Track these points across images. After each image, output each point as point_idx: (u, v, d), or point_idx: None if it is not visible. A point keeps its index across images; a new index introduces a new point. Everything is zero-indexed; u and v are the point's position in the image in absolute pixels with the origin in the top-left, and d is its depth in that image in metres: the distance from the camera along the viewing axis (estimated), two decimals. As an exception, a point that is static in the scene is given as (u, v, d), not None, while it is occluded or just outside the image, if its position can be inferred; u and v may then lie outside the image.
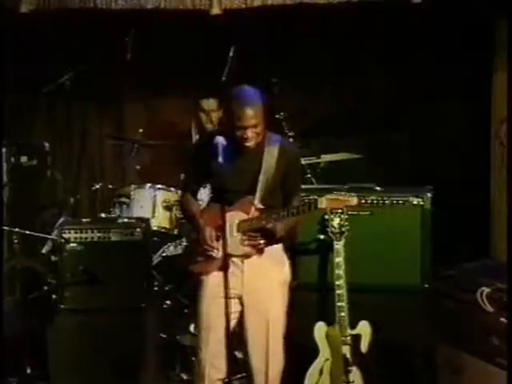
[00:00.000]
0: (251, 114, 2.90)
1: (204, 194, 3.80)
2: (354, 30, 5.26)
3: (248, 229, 3.10)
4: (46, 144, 5.22)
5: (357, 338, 3.49)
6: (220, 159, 2.93)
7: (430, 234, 3.95)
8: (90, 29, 5.45)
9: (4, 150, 4.80)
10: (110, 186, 5.08)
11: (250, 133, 2.91)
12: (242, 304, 3.16)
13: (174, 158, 5.15)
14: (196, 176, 3.33)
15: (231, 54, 4.84)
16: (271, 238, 3.11)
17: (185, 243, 4.54)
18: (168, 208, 4.63)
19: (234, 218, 3.12)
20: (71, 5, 4.90)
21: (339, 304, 3.39)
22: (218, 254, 3.09)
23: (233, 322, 3.07)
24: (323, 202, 3.05)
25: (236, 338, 3.30)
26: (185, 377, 4.05)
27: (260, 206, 3.07)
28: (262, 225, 3.07)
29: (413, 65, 5.30)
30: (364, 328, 3.51)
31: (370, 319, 3.56)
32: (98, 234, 4.14)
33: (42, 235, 4.74)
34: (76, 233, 4.09)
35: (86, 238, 4.10)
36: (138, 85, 5.73)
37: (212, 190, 3.34)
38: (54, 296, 4.21)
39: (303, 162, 4.65)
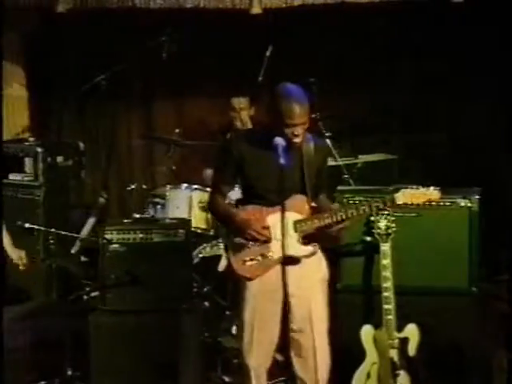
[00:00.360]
0: (302, 112, 2.87)
1: (234, 195, 3.75)
2: (393, 30, 5.27)
3: (307, 228, 3.05)
4: (81, 144, 5.26)
5: (404, 341, 3.45)
6: (263, 157, 2.93)
7: (478, 236, 3.88)
8: (127, 28, 5.46)
9: (40, 149, 4.84)
10: (144, 187, 5.08)
11: (299, 129, 2.88)
12: (285, 304, 3.09)
13: (206, 158, 5.17)
14: (229, 175, 3.25)
15: (268, 53, 4.83)
16: (329, 237, 3.11)
17: (222, 245, 4.50)
18: (204, 208, 4.61)
19: (286, 217, 3.01)
20: (109, 4, 4.97)
21: (386, 307, 3.35)
22: (272, 255, 3.04)
23: (278, 323, 3.08)
24: (400, 198, 3.03)
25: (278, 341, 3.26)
26: (226, 379, 4.05)
27: (314, 205, 3.04)
28: (326, 223, 3.01)
29: (451, 65, 5.27)
30: (412, 331, 3.47)
31: (417, 322, 3.50)
32: (141, 235, 4.13)
33: (77, 235, 4.76)
34: (118, 234, 4.08)
35: (129, 239, 4.09)
36: (169, 84, 5.79)
37: (249, 190, 3.23)
38: (93, 296, 4.24)
39: (340, 163, 4.68)
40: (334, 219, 3.00)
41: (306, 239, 3.10)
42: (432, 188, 3.14)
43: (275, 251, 3.04)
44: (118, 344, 3.96)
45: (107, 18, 5.37)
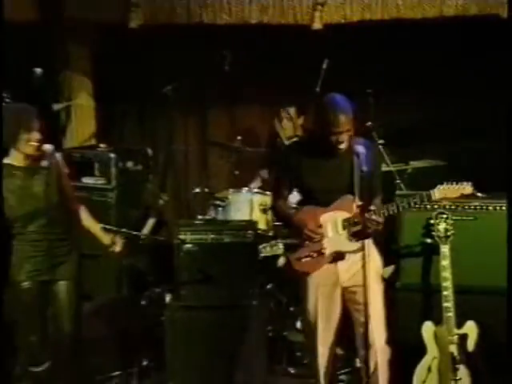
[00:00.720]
0: (346, 120, 3.04)
1: (293, 197, 3.87)
2: (443, 44, 5.33)
3: (355, 226, 3.19)
4: (149, 150, 5.41)
5: (463, 338, 3.52)
6: (314, 162, 3.16)
7: None
8: (193, 42, 5.59)
9: (113, 155, 5.00)
10: (206, 190, 5.22)
11: (344, 136, 3.02)
12: (344, 296, 3.29)
13: (260, 163, 5.40)
14: (287, 181, 3.43)
15: (324, 66, 4.93)
16: (374, 233, 3.21)
17: (281, 244, 4.66)
18: (264, 211, 4.74)
19: (335, 216, 3.24)
20: (179, 20, 5.13)
21: (446, 304, 3.44)
22: (325, 251, 3.19)
23: (338, 316, 3.27)
24: (436, 194, 3.17)
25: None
26: (291, 370, 4.17)
27: (360, 204, 3.14)
28: (370, 221, 3.14)
29: (494, 76, 5.20)
30: (470, 328, 3.54)
31: (475, 320, 3.58)
32: (212, 236, 4.26)
33: (145, 235, 4.85)
34: (192, 234, 4.23)
35: (201, 239, 4.22)
36: (225, 93, 5.92)
37: (305, 193, 3.40)
38: (166, 293, 4.32)
39: (392, 169, 4.79)
40: (378, 216, 3.13)
41: (355, 235, 3.22)
42: (465, 183, 3.25)
43: (327, 247, 3.21)
44: (190, 337, 4.10)
45: (176, 33, 5.42)
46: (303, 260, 3.30)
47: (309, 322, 3.43)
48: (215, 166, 6.10)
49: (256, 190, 4.89)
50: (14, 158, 3.34)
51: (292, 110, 5.35)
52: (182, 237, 4.22)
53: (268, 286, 4.62)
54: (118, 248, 3.68)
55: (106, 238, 3.67)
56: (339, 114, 3.08)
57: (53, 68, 5.60)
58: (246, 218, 4.76)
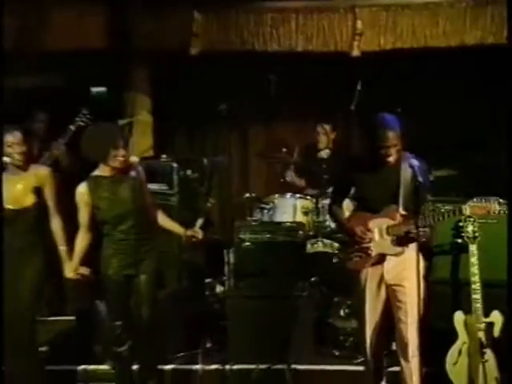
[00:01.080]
0: (393, 136, 3.10)
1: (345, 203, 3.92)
2: (463, 69, 5.36)
3: (397, 232, 3.24)
4: (205, 160, 5.47)
5: (490, 325, 3.58)
6: (366, 174, 3.23)
7: None
8: (243, 67, 5.71)
9: (175, 165, 5.07)
10: (253, 195, 5.30)
11: (392, 151, 3.09)
12: (388, 292, 3.30)
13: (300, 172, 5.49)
14: (342, 191, 3.55)
15: (359, 87, 4.99)
16: (414, 239, 3.20)
17: (320, 243, 4.73)
18: (305, 213, 4.83)
19: (382, 223, 3.31)
20: (233, 47, 5.28)
21: (474, 296, 3.51)
22: (371, 253, 3.27)
23: (382, 308, 3.29)
24: (467, 210, 3.22)
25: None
26: (336, 353, 4.22)
27: (404, 213, 3.21)
28: (411, 229, 3.17)
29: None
30: (496, 317, 3.60)
31: (500, 310, 3.62)
32: (268, 235, 4.41)
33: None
34: (250, 234, 4.36)
35: (257, 239, 4.37)
36: (267, 109, 6.03)
37: (357, 200, 3.51)
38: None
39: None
40: (418, 225, 3.13)
41: (398, 240, 3.27)
42: (492, 201, 3.27)
43: (374, 249, 3.28)
44: (248, 322, 4.19)
45: (230, 58, 5.56)
46: (354, 259, 3.39)
47: (359, 312, 3.45)
48: (258, 175, 6.22)
49: (298, 195, 4.96)
50: (102, 171, 3.41)
51: (327, 127, 5.45)
52: (241, 236, 4.34)
53: (312, 279, 4.63)
54: (200, 235, 3.74)
55: (184, 231, 3.72)
56: (388, 130, 3.14)
57: (118, 88, 5.68)
58: (290, 219, 4.83)
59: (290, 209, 4.89)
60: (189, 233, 3.72)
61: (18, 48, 5.10)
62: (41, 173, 3.69)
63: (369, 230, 3.30)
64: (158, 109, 5.82)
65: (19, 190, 3.53)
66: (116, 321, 3.74)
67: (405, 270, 3.22)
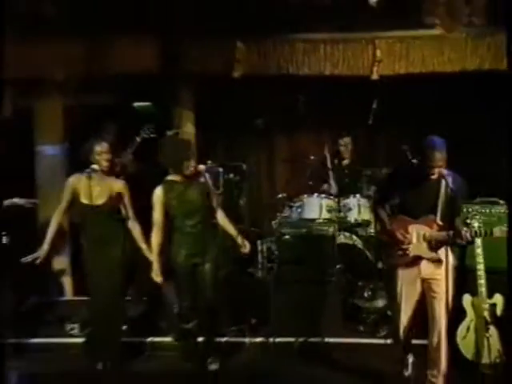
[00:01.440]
0: (440, 157, 3.15)
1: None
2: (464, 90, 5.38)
3: (433, 239, 3.31)
4: (243, 165, 5.63)
5: (493, 306, 3.72)
6: (412, 185, 3.30)
7: None
8: (278, 88, 5.82)
9: (221, 169, 5.22)
10: (285, 195, 5.42)
11: (436, 170, 3.16)
12: (423, 286, 3.39)
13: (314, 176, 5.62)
14: (387, 194, 3.60)
15: (374, 105, 5.11)
16: (445, 244, 3.32)
17: (342, 236, 4.87)
18: (329, 211, 4.91)
19: (420, 229, 3.37)
20: (270, 72, 5.34)
21: (480, 281, 3.67)
22: (409, 254, 3.33)
23: (416, 298, 3.42)
24: (497, 232, 3.37)
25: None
26: (361, 328, 4.33)
27: (440, 223, 3.29)
28: (444, 237, 3.28)
29: None
30: (498, 299, 3.74)
31: (502, 293, 3.75)
32: (304, 230, 4.53)
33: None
34: (289, 228, 4.49)
35: (295, 233, 4.50)
36: (291, 123, 6.18)
37: (400, 206, 3.53)
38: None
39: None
40: (449, 237, 3.25)
41: (433, 245, 3.34)
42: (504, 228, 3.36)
43: (411, 251, 3.35)
44: (287, 302, 4.36)
45: (267, 81, 5.62)
46: (394, 257, 3.45)
47: (396, 300, 3.52)
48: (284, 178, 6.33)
49: (323, 196, 5.02)
50: (175, 177, 3.54)
51: (347, 139, 5.54)
52: (282, 230, 4.45)
53: (338, 266, 4.71)
54: (246, 250, 3.78)
55: (239, 239, 3.76)
56: (436, 152, 3.17)
57: (168, 105, 5.75)
58: (317, 216, 4.88)
59: (316, 207, 4.95)
60: (239, 240, 3.75)
61: (88, 71, 5.21)
62: (118, 184, 3.80)
63: (408, 234, 3.35)
64: (201, 122, 5.89)
65: (96, 191, 3.63)
66: (184, 302, 3.83)
67: (438, 268, 3.33)
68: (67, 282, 5.47)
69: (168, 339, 4.24)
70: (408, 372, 3.67)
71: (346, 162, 5.63)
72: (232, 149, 6.38)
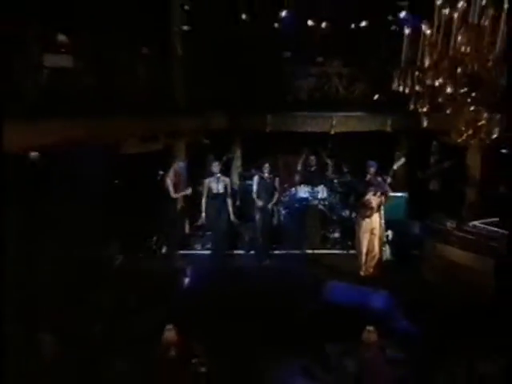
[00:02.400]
0: (373, 170, 4.56)
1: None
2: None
3: (377, 204, 4.79)
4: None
5: (388, 237, 5.46)
6: (367, 183, 4.79)
7: (406, 204, 5.81)
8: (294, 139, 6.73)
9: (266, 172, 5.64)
10: (287, 185, 6.41)
11: (372, 174, 4.57)
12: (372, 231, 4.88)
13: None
14: (360, 188, 4.93)
15: (329, 145, 6.55)
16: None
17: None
18: (309, 193, 6.16)
19: (373, 199, 4.85)
20: (295, 128, 6.59)
21: (382, 224, 5.66)
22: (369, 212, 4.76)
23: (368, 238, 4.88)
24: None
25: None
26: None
27: (379, 197, 4.89)
28: (381, 202, 4.77)
29: None
30: (389, 232, 5.45)
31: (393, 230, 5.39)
32: (299, 202, 6.04)
33: None
34: (292, 201, 6.01)
35: (295, 203, 5.98)
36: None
37: (365, 192, 5.01)
38: None
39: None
40: (381, 202, 4.76)
41: (376, 208, 4.75)
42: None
43: (370, 211, 4.87)
44: (293, 227, 5.82)
45: (282, 133, 6.64)
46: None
47: (359, 238, 5.09)
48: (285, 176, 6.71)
49: (305, 186, 6.10)
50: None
51: (313, 158, 6.37)
52: (290, 201, 5.98)
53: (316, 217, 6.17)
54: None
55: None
56: (371, 167, 4.55)
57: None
58: (304, 196, 6.04)
59: (304, 191, 6.23)
60: None
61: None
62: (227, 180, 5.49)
63: (370, 203, 4.81)
64: (246, 150, 7.18)
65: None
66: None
67: (377, 221, 4.88)
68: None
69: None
70: (362, 272, 5.17)
71: (313, 168, 6.50)
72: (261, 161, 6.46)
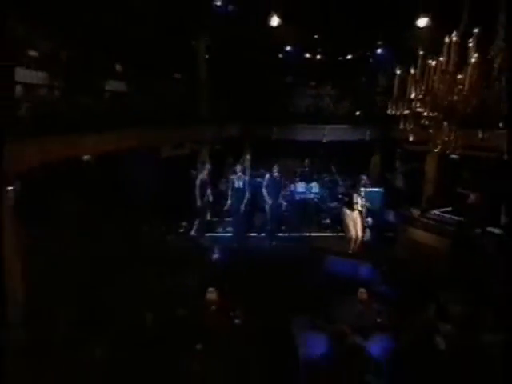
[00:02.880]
0: (364, 177, 4.88)
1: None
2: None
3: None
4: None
5: (367, 222, 5.66)
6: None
7: (383, 196, 5.97)
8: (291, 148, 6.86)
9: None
10: (287, 182, 6.64)
11: (364, 179, 4.85)
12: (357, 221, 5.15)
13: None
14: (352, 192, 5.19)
15: (322, 151, 6.87)
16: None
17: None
18: (305, 187, 6.50)
19: (358, 197, 5.10)
20: (294, 137, 6.73)
21: (365, 210, 6.01)
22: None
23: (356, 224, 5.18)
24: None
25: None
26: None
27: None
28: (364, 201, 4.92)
29: None
30: (370, 219, 5.59)
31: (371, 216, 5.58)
32: (298, 195, 6.12)
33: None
34: (292, 194, 6.12)
35: (295, 197, 6.13)
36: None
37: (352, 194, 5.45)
38: None
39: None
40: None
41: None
42: None
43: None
44: (294, 215, 5.92)
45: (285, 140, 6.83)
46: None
47: (348, 224, 5.40)
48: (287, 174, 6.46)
49: (303, 182, 6.50)
50: None
51: (308, 160, 6.71)
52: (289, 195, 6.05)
53: (327, 221, 6.43)
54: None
55: None
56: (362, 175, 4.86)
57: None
58: (302, 190, 6.37)
59: (301, 186, 6.43)
60: None
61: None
62: (246, 177, 5.70)
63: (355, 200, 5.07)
64: (254, 154, 6.98)
65: None
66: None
67: (357, 213, 5.19)
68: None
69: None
70: (350, 249, 5.39)
71: (307, 169, 6.93)
72: (267, 163, 6.70)
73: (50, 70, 4.05)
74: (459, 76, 2.50)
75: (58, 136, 3.77)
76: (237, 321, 3.54)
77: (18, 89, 3.68)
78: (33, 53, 4.02)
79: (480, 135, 2.59)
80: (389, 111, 2.74)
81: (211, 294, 3.66)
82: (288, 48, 6.78)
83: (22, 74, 3.73)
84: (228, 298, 3.67)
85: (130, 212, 4.80)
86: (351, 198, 5.28)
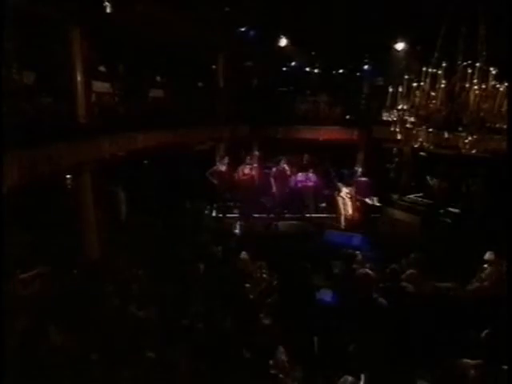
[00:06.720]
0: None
1: None
2: None
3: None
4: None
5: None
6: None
7: None
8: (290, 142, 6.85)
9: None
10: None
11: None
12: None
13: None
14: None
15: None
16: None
17: None
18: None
19: (351, 191, 5.35)
20: (296, 136, 6.90)
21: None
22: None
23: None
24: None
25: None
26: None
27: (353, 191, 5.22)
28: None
29: None
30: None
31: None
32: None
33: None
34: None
35: None
36: None
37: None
38: None
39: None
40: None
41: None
42: None
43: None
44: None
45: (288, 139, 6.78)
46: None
47: (339, 208, 5.95)
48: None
49: None
50: None
51: (307, 155, 6.67)
52: None
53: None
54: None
55: None
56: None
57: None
58: None
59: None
60: None
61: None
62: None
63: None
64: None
65: None
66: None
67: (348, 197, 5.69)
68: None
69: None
70: (342, 225, 5.96)
71: (305, 162, 6.90)
72: (273, 157, 6.99)
73: (112, 81, 4.70)
74: (432, 93, 3.12)
75: (118, 134, 4.52)
76: (264, 275, 4.15)
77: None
78: (101, 68, 4.72)
79: (446, 135, 3.22)
80: (384, 117, 3.41)
81: (244, 256, 4.33)
82: (292, 63, 7.43)
83: (95, 85, 4.38)
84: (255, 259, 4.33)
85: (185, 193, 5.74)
86: (340, 187, 5.99)
